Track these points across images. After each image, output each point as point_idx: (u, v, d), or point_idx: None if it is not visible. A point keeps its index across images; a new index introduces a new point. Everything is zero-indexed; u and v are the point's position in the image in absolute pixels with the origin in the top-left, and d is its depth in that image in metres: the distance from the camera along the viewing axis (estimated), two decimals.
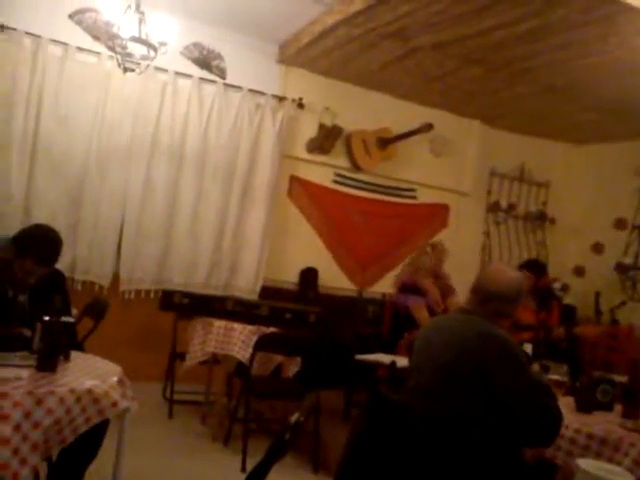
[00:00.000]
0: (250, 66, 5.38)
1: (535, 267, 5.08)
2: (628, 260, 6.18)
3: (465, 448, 2.03)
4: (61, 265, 3.53)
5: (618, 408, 2.74)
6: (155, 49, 3.85)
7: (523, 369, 2.18)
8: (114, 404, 2.18)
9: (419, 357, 2.42)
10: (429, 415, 2.08)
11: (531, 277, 4.64)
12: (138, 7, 3.78)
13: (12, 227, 3.69)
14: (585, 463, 1.09)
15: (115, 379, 2.27)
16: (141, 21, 3.76)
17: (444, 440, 2.02)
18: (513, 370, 2.15)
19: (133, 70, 3.98)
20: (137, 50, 3.87)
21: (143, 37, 3.77)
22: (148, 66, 4.11)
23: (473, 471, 2.02)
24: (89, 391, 2.09)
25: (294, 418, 1.70)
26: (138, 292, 4.99)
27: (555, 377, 3.18)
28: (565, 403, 2.61)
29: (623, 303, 5.77)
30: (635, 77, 4.78)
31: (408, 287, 4.18)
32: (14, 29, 4.49)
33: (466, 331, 2.24)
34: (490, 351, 2.16)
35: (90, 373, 2.30)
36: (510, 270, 2.52)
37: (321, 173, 5.80)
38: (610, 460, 2.23)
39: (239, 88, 5.29)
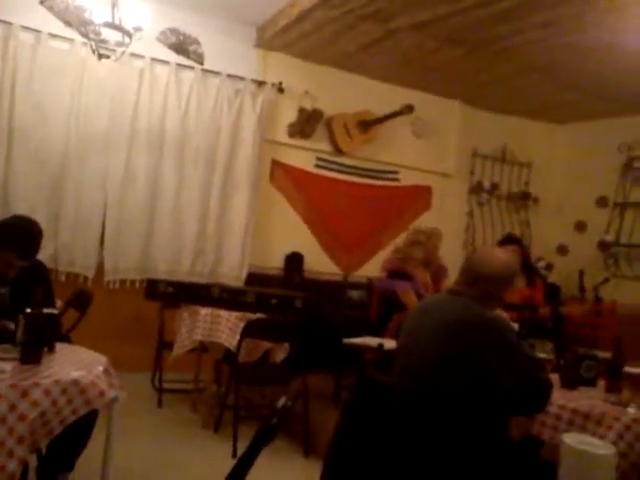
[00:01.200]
0: (228, 51, 5.32)
1: (519, 240, 5.17)
2: (610, 237, 6.24)
3: (453, 428, 2.05)
4: (43, 256, 3.51)
5: (602, 383, 2.77)
6: (130, 35, 3.79)
7: (514, 346, 2.20)
8: (101, 394, 2.16)
9: (407, 339, 2.43)
10: (418, 396, 2.09)
11: (519, 250, 4.71)
12: None
13: None
14: (569, 438, 1.10)
15: (101, 369, 2.26)
16: (114, 6, 3.70)
17: (432, 421, 2.03)
18: (503, 348, 2.17)
19: (108, 57, 3.92)
20: (111, 36, 3.82)
21: (117, 23, 3.70)
22: (123, 52, 4.05)
23: (461, 450, 2.04)
24: (75, 382, 2.08)
25: (281, 403, 1.69)
26: (123, 282, 4.95)
27: (541, 355, 3.22)
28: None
29: (606, 280, 5.82)
30: (613, 55, 4.80)
31: (396, 273, 4.18)
32: None
33: (454, 312, 2.25)
34: (479, 331, 2.17)
35: (75, 364, 2.28)
36: (502, 252, 2.52)
37: (303, 157, 5.77)
38: (594, 434, 2.26)
39: (217, 73, 5.24)
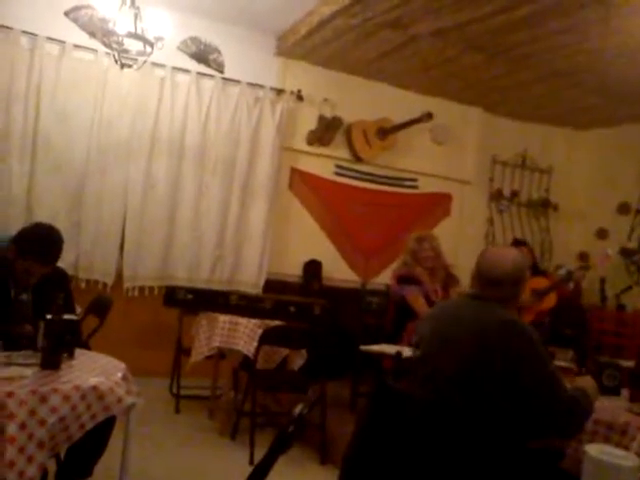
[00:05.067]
0: (248, 59, 5.36)
1: (523, 242, 5.24)
2: (632, 245, 6.15)
3: (474, 438, 2.02)
4: (64, 263, 3.54)
5: (625, 393, 2.73)
6: (151, 44, 3.83)
7: (546, 361, 2.15)
8: (119, 400, 2.18)
9: (428, 345, 2.37)
10: (438, 406, 2.06)
11: (530, 251, 4.79)
12: (133, 2, 3.76)
13: (15, 226, 3.68)
14: (592, 449, 1.08)
15: (119, 375, 2.27)
16: (137, 16, 3.74)
17: (451, 430, 2.01)
18: (538, 362, 2.11)
19: (130, 66, 3.97)
20: (133, 46, 3.86)
21: (139, 33, 3.74)
22: (145, 62, 4.10)
23: (480, 460, 2.01)
24: (94, 388, 2.09)
25: (298, 410, 1.69)
26: (142, 289, 4.99)
27: (561, 363, 3.17)
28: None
29: (629, 288, 5.74)
30: (636, 60, 4.74)
31: (404, 278, 4.15)
32: (10, 28, 4.48)
33: (485, 319, 2.18)
34: (515, 341, 2.10)
35: (94, 370, 2.30)
36: (510, 250, 2.47)
37: (322, 165, 5.78)
38: (618, 445, 2.22)
39: (237, 82, 5.28)
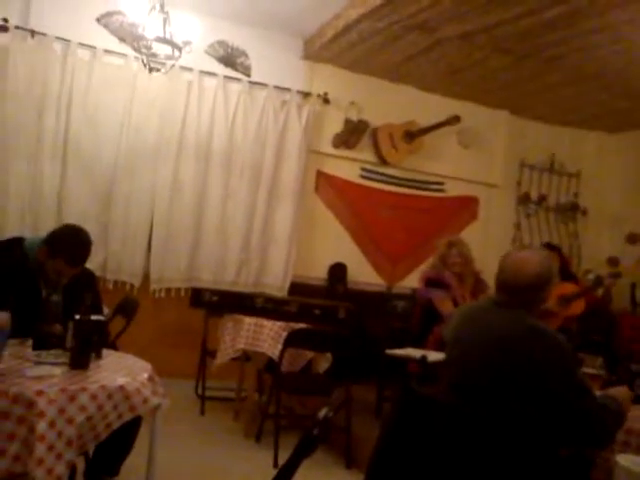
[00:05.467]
0: (275, 63, 5.39)
1: (557, 247, 5.15)
2: None
3: (501, 444, 1.99)
4: (92, 265, 3.60)
5: None
6: (180, 48, 3.87)
7: (574, 369, 2.11)
8: (145, 400, 2.20)
9: (453, 350, 2.35)
10: (465, 412, 2.04)
11: (561, 256, 4.72)
12: (162, 7, 3.81)
13: (46, 228, 3.75)
14: (624, 459, 1.06)
15: (146, 376, 2.29)
16: (165, 21, 3.79)
17: (478, 436, 1.98)
18: (565, 369, 2.07)
19: (159, 70, 4.01)
20: (162, 50, 3.90)
21: (168, 37, 3.79)
22: (173, 66, 4.14)
23: (506, 466, 1.98)
24: (121, 388, 2.12)
25: (322, 413, 1.68)
26: (168, 290, 5.05)
27: (590, 370, 3.11)
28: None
29: None
30: None
31: (432, 281, 4.13)
32: (44, 34, 4.58)
33: (511, 326, 2.15)
34: (541, 347, 2.07)
35: (121, 370, 2.32)
36: (534, 255, 2.37)
37: (348, 168, 5.78)
38: None
39: (264, 85, 5.31)
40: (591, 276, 6.22)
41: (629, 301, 5.82)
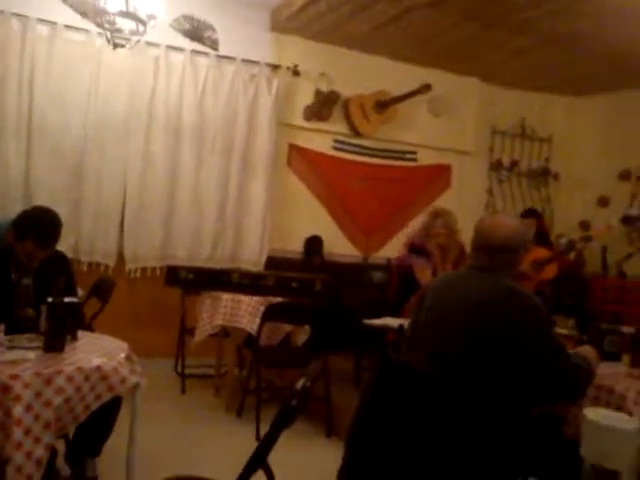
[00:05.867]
0: (242, 36, 5.29)
1: (535, 213, 5.18)
2: (634, 211, 6.13)
3: (476, 406, 2.03)
4: (65, 246, 3.56)
5: (626, 358, 2.74)
6: (144, 23, 3.79)
7: (550, 329, 2.17)
8: (123, 380, 2.20)
9: (430, 316, 2.36)
10: (442, 378, 2.07)
11: (534, 223, 4.78)
12: None
13: (14, 210, 3.67)
14: (592, 412, 1.09)
15: (123, 356, 2.29)
16: None
17: (454, 402, 2.02)
18: (541, 329, 2.12)
19: (123, 46, 3.93)
20: (126, 25, 3.82)
21: (131, 11, 3.70)
22: (138, 41, 4.05)
23: (482, 429, 2.03)
24: (97, 368, 2.12)
25: (300, 384, 1.71)
26: (144, 270, 5.00)
27: (563, 331, 3.18)
28: None
29: (629, 256, 5.74)
30: (637, 24, 4.68)
31: (416, 248, 4.14)
32: (1, 11, 4.43)
33: (489, 289, 2.18)
34: (518, 308, 2.11)
35: (98, 351, 2.31)
36: (508, 218, 2.46)
37: (320, 140, 5.75)
38: (620, 409, 2.24)
39: (232, 59, 5.23)
40: (564, 240, 6.33)
41: (600, 264, 5.93)
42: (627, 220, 6.15)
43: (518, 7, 4.53)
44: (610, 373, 2.51)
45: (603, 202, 6.49)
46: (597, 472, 1.05)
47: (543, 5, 4.46)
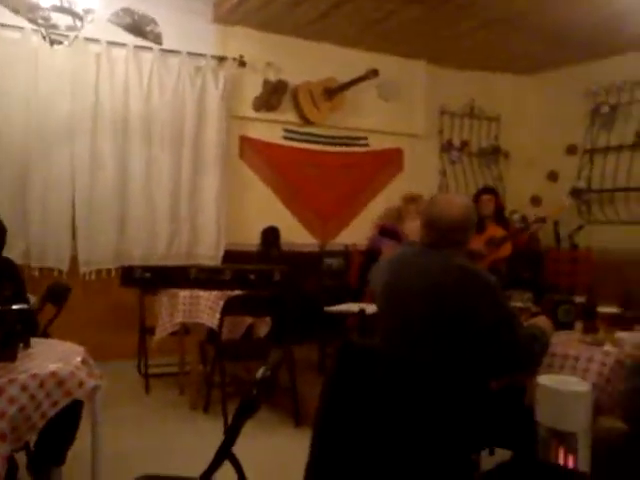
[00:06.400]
0: (186, 28, 5.21)
1: (492, 190, 5.28)
2: (582, 184, 6.29)
3: (437, 384, 2.06)
4: (14, 253, 3.47)
5: (579, 326, 2.82)
6: (81, 18, 3.68)
7: (503, 302, 2.22)
8: (81, 384, 2.15)
9: (388, 297, 2.38)
10: (402, 358, 2.09)
11: (493, 198, 4.88)
12: None
13: None
14: (544, 379, 1.11)
15: (79, 359, 2.24)
16: None
17: (416, 381, 2.04)
18: (495, 306, 2.16)
19: (61, 42, 3.81)
20: (62, 21, 3.70)
21: (65, 5, 3.58)
22: (76, 37, 3.94)
23: (443, 403, 2.06)
24: (52, 374, 2.06)
25: (260, 373, 1.70)
26: (99, 272, 4.90)
27: (518, 304, 3.25)
28: None
29: (580, 228, 5.88)
30: (576, 5, 4.78)
31: (387, 230, 4.16)
32: None
33: (440, 266, 2.21)
34: (474, 285, 2.15)
35: (53, 357, 2.25)
36: (458, 197, 2.52)
37: (271, 130, 5.71)
38: (574, 374, 2.30)
39: (177, 52, 5.14)
40: (517, 216, 6.46)
41: (553, 237, 6.07)
42: (576, 193, 6.30)
43: None
44: (563, 340, 2.59)
45: (552, 177, 6.65)
46: (553, 435, 1.07)
47: None
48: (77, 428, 2.58)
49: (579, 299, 3.03)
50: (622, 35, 5.18)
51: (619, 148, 6.01)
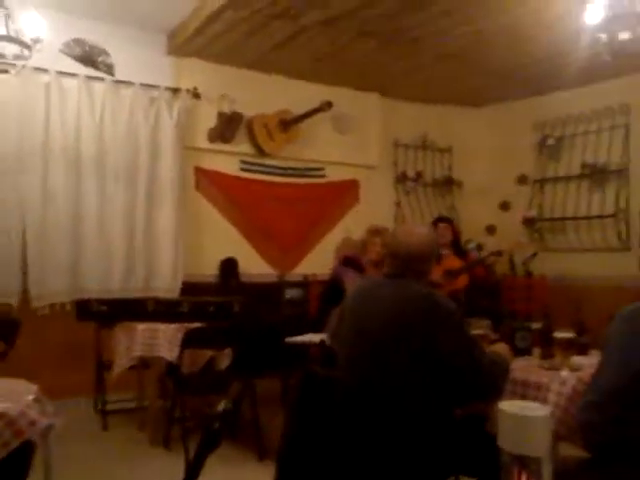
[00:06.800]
0: (139, 60, 5.19)
1: (449, 219, 5.37)
2: (533, 213, 6.47)
3: (398, 415, 2.05)
4: None
5: (537, 352, 2.87)
6: (28, 47, 3.61)
7: (465, 329, 2.23)
8: (32, 423, 2.07)
9: (349, 326, 2.36)
10: (360, 387, 2.09)
11: (449, 227, 4.96)
12: (2, 2, 3.51)
13: None
14: (506, 405, 1.12)
15: (30, 398, 2.15)
16: (7, 17, 3.50)
17: (377, 409, 2.03)
18: (457, 333, 2.17)
19: (6, 71, 3.73)
20: (8, 49, 3.62)
21: (13, 35, 3.52)
22: (24, 66, 3.86)
23: (407, 434, 2.05)
24: (2, 415, 1.98)
25: (221, 406, 1.66)
26: (52, 306, 4.74)
27: (478, 331, 3.28)
28: None
29: (534, 255, 6.02)
30: (521, 44, 5.00)
31: (350, 260, 4.16)
32: None
33: (402, 294, 2.22)
34: (435, 313, 2.15)
35: (2, 396, 2.16)
36: (420, 228, 2.55)
37: (226, 162, 5.71)
38: (535, 400, 2.33)
39: (130, 83, 5.11)
40: (472, 245, 6.57)
41: (508, 266, 6.19)
42: (527, 222, 6.48)
43: (408, 25, 4.71)
44: (523, 366, 2.62)
45: (505, 206, 6.83)
46: (515, 460, 1.08)
47: (429, 24, 4.66)
48: (28, 470, 2.47)
49: (536, 325, 3.09)
50: (566, 71, 5.41)
51: (567, 178, 6.24)
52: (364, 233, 4.26)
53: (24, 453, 2.27)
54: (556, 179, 6.34)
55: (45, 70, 4.67)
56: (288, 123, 5.85)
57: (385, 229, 4.35)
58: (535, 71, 5.68)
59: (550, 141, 6.35)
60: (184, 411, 3.64)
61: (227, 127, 5.59)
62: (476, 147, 6.94)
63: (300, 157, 6.07)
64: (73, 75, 4.85)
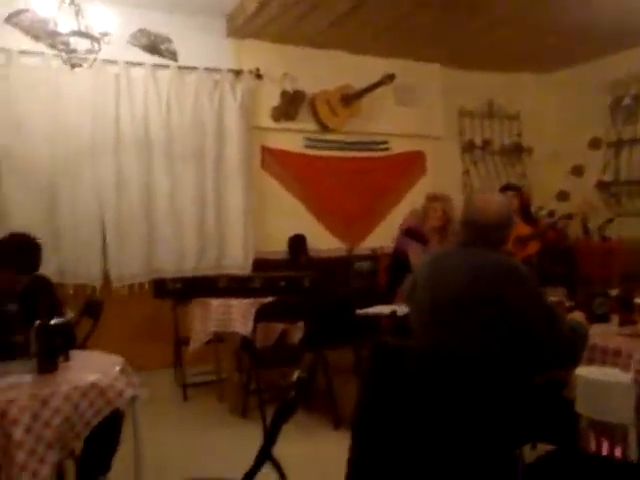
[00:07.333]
0: (201, 44, 5.30)
1: (517, 187, 5.24)
2: (608, 177, 6.22)
3: (474, 381, 2.04)
4: (48, 271, 3.52)
5: (615, 318, 2.78)
6: (98, 40, 3.74)
7: (543, 296, 2.20)
8: (120, 393, 2.18)
9: (423, 294, 2.37)
10: (434, 354, 2.08)
11: (517, 195, 4.83)
12: (72, 0, 3.66)
13: None
14: (584, 370, 1.10)
15: (117, 369, 2.27)
16: (78, 13, 3.65)
17: (451, 377, 2.03)
18: (538, 301, 2.15)
19: (80, 65, 3.88)
20: (80, 44, 3.77)
21: (83, 30, 3.66)
22: (95, 59, 4.00)
23: (485, 399, 2.04)
24: (93, 385, 2.10)
25: (296, 376, 1.72)
26: (131, 286, 4.97)
27: (553, 298, 3.21)
28: None
29: (610, 220, 5.80)
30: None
31: (412, 232, 4.14)
32: None
33: (478, 262, 2.20)
34: (509, 279, 2.13)
35: (92, 368, 2.29)
36: (495, 196, 2.50)
37: (291, 140, 5.76)
38: (614, 367, 2.26)
39: (194, 68, 5.22)
40: (544, 212, 6.39)
41: (581, 231, 5.99)
42: (601, 186, 6.23)
43: None
44: (602, 333, 2.55)
45: (577, 171, 6.59)
46: (594, 426, 1.07)
47: None
48: (119, 436, 2.62)
49: (613, 292, 2.99)
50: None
51: None
52: (424, 200, 4.22)
53: (114, 421, 2.41)
54: (633, 141, 6.05)
55: (114, 61, 4.84)
56: (350, 98, 5.82)
57: (444, 195, 4.29)
58: (604, 28, 5.40)
59: (626, 101, 6.05)
60: (259, 383, 3.74)
61: (290, 105, 5.63)
62: (546, 112, 6.73)
63: (364, 131, 6.05)
64: (140, 64, 5.01)
